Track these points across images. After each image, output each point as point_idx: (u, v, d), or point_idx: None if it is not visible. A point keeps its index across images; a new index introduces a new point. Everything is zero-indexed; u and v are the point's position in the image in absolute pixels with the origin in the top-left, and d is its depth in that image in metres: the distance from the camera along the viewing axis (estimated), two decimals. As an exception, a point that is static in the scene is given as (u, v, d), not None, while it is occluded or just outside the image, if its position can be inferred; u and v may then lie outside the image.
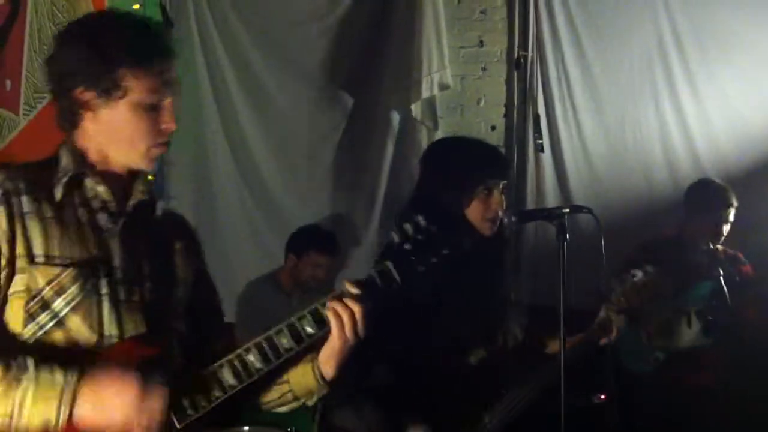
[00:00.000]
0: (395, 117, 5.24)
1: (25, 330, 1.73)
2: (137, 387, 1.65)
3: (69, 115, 1.84)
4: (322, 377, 1.92)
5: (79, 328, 1.74)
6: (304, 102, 5.22)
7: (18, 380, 1.64)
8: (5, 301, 1.74)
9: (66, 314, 1.74)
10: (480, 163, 2.84)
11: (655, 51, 5.22)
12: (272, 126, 5.21)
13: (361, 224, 5.22)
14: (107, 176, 1.85)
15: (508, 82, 5.40)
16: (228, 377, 1.81)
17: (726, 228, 4.25)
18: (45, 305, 1.73)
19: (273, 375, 1.91)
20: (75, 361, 1.68)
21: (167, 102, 1.84)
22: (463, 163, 2.84)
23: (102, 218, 1.83)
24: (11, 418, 1.64)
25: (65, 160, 1.84)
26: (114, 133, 1.82)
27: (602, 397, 3.35)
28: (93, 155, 1.85)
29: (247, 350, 1.83)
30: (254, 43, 5.17)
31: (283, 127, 5.22)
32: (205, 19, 5.15)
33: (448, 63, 5.19)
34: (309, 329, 1.84)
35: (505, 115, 5.40)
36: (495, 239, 2.83)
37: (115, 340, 1.77)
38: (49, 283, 1.73)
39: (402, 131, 5.25)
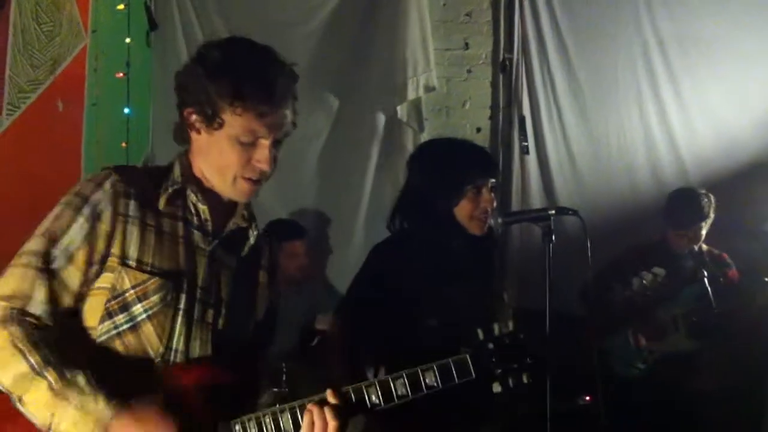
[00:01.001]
0: (381, 119, 5.24)
1: (101, 326, 1.80)
2: (170, 428, 1.70)
3: (181, 130, 1.93)
4: None
5: (150, 336, 1.81)
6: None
7: (64, 396, 1.69)
8: (87, 295, 1.81)
9: (142, 320, 1.81)
10: (469, 162, 2.86)
11: (639, 55, 5.24)
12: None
13: (347, 225, 5.21)
14: (211, 196, 1.93)
15: (494, 84, 5.41)
16: None
17: (702, 235, 4.29)
18: (125, 306, 1.80)
19: None
20: (126, 381, 1.74)
21: (266, 142, 1.87)
22: (453, 163, 2.86)
23: (197, 236, 1.91)
24: (49, 428, 1.70)
25: (176, 172, 1.93)
26: (209, 157, 1.89)
27: (588, 398, 3.36)
28: (197, 172, 1.94)
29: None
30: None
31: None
32: (190, 20, 5.12)
33: (433, 65, 5.19)
34: (287, 425, 1.82)
35: (491, 118, 5.42)
36: (485, 239, 2.84)
37: (180, 355, 1.83)
38: (134, 287, 1.80)
39: (388, 133, 5.24)
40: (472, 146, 3.03)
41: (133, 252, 1.82)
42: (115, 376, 1.74)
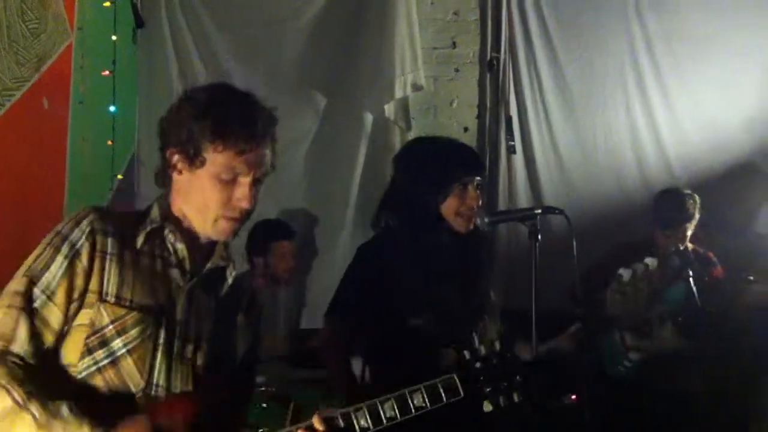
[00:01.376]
0: (368, 117, 5.24)
1: (81, 362, 1.81)
2: None
3: (162, 172, 1.96)
4: None
5: (130, 371, 1.82)
6: (277, 102, 5.16)
7: (49, 428, 1.69)
8: (68, 332, 1.82)
9: (122, 354, 1.82)
10: (455, 160, 2.88)
11: (626, 54, 5.26)
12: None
13: (335, 225, 5.21)
14: (189, 235, 1.95)
15: (481, 83, 5.42)
16: None
17: (688, 235, 4.34)
18: (104, 342, 1.81)
19: None
20: (112, 410, 1.74)
21: (246, 180, 1.90)
22: (438, 161, 2.87)
23: (175, 273, 1.92)
24: None
25: (154, 212, 1.95)
26: (190, 196, 1.92)
27: (573, 398, 3.36)
28: (177, 212, 1.96)
29: None
30: (226, 43, 5.14)
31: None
32: (176, 18, 5.11)
33: (421, 64, 5.20)
34: None
35: (478, 117, 5.43)
36: (471, 236, 2.84)
37: (161, 390, 1.84)
38: (113, 321, 1.81)
39: (375, 132, 5.25)
40: (459, 144, 3.05)
41: (111, 287, 1.83)
42: (98, 411, 1.73)
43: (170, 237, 1.93)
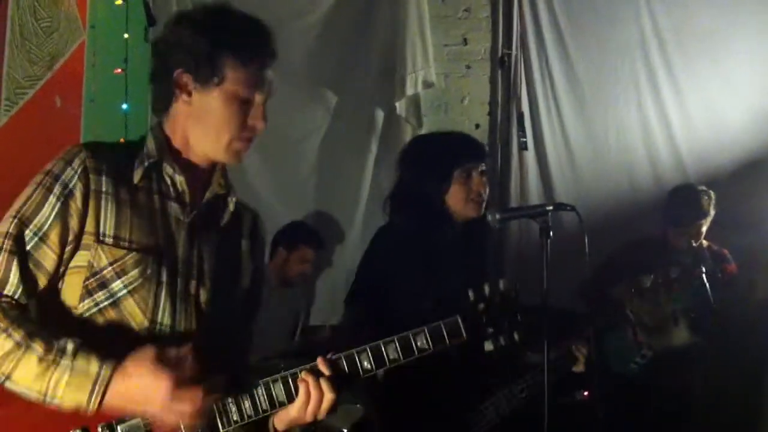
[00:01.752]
0: (379, 115, 5.24)
1: (81, 305, 1.76)
2: (170, 386, 1.66)
3: (164, 96, 1.86)
4: (275, 429, 1.91)
5: (133, 311, 1.77)
6: (288, 100, 5.19)
7: (56, 363, 1.66)
8: (64, 274, 1.77)
9: (123, 296, 1.77)
10: (454, 146, 2.91)
11: (637, 50, 5.24)
12: (256, 124, 5.17)
13: (345, 222, 5.21)
14: (187, 166, 1.88)
15: (492, 80, 5.41)
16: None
17: (703, 232, 4.31)
18: (104, 284, 1.76)
19: None
20: (117, 348, 1.69)
21: (261, 98, 1.86)
22: (438, 150, 2.90)
23: (175, 208, 1.86)
24: (45, 395, 1.67)
25: (150, 145, 1.86)
26: (202, 119, 1.84)
27: (585, 394, 3.36)
28: (177, 142, 1.88)
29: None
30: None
31: (268, 125, 5.18)
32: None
33: (432, 61, 5.19)
34: (280, 396, 1.79)
35: (489, 113, 5.42)
36: (476, 223, 2.85)
37: (166, 329, 1.79)
38: (112, 263, 1.76)
39: (386, 129, 5.24)
40: (459, 134, 3.09)
41: (108, 228, 1.77)
42: (103, 346, 1.71)
43: (168, 170, 1.86)
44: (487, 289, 1.86)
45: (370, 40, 5.20)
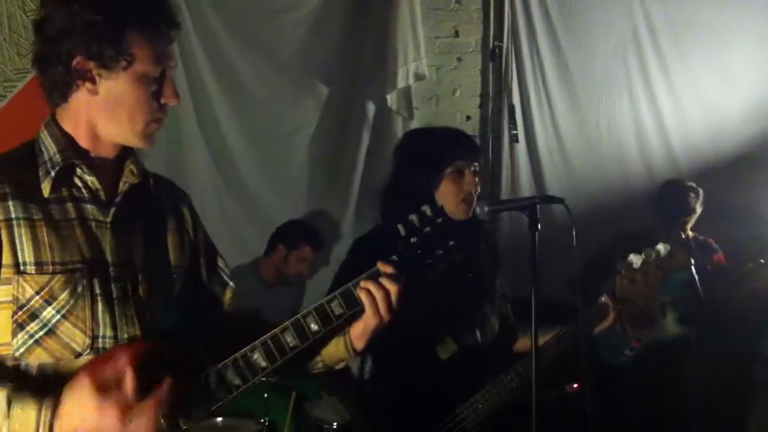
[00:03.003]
0: (371, 107, 5.23)
1: (15, 340, 1.62)
2: (116, 413, 1.51)
3: (61, 87, 1.68)
4: (354, 349, 1.92)
5: (71, 334, 1.65)
6: (280, 92, 5.19)
7: None
8: None
9: (57, 321, 1.64)
10: (446, 143, 2.83)
11: (629, 42, 5.24)
12: (248, 116, 5.17)
13: (337, 216, 5.21)
14: (95, 162, 1.73)
15: (483, 72, 5.41)
16: (261, 360, 1.76)
17: (688, 227, 4.37)
18: (34, 315, 1.62)
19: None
20: (54, 382, 1.58)
21: (171, 73, 1.73)
22: (430, 145, 2.84)
23: (92, 210, 1.71)
24: None
25: (51, 148, 1.70)
26: (112, 107, 1.68)
27: (575, 386, 3.36)
28: (82, 137, 1.72)
29: (283, 330, 1.79)
30: (229, 33, 5.12)
31: (259, 118, 5.19)
32: (179, 7, 5.08)
33: (423, 53, 5.18)
34: (338, 310, 1.82)
35: (480, 106, 5.41)
36: (468, 224, 2.80)
37: (109, 341, 1.67)
38: (38, 292, 1.62)
39: (377, 121, 5.24)
40: (452, 130, 2.98)
41: (28, 255, 1.62)
42: (42, 385, 1.59)
43: (78, 171, 1.69)
44: (416, 219, 1.84)
45: (362, 32, 5.18)
